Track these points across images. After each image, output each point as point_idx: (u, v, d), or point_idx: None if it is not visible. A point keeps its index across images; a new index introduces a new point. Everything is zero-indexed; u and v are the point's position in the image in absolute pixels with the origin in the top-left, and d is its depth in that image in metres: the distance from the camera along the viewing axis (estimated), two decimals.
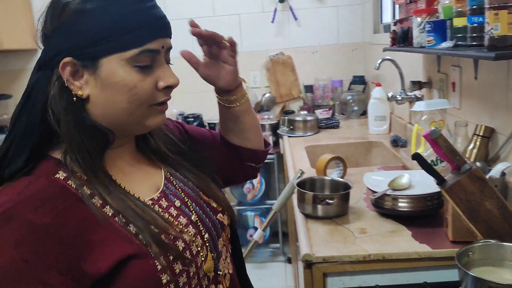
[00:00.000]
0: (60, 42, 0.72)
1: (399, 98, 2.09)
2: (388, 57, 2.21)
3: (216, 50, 0.91)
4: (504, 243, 0.96)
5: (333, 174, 1.74)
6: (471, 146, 1.39)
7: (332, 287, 1.18)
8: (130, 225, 0.72)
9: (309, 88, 3.35)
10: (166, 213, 0.79)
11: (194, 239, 0.79)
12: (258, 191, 3.22)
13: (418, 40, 1.56)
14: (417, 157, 1.08)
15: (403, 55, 2.12)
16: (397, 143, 2.23)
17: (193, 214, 0.83)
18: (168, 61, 0.80)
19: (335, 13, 3.33)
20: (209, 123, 3.32)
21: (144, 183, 0.82)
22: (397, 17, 2.05)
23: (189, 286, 0.76)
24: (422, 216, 1.31)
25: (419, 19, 1.53)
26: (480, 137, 1.38)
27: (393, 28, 1.99)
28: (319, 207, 1.37)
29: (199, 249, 0.79)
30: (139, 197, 0.77)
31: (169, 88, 0.78)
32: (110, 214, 0.72)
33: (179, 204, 0.82)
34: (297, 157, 2.22)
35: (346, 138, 2.55)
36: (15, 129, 0.74)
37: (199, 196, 0.88)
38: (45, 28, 0.74)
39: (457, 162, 1.04)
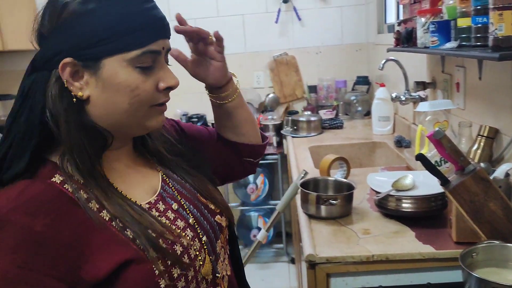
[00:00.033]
0: (59, 42, 0.71)
1: (403, 99, 2.08)
2: (392, 58, 2.20)
3: (203, 47, 0.90)
4: (508, 244, 0.96)
5: (337, 175, 1.74)
6: (475, 146, 1.39)
7: (336, 287, 1.18)
8: (127, 229, 0.71)
9: (313, 89, 3.35)
10: (164, 217, 0.78)
11: (192, 242, 0.78)
12: (261, 192, 3.22)
13: (422, 40, 1.56)
14: (421, 157, 1.08)
15: (407, 56, 2.11)
16: (401, 143, 2.22)
17: (190, 217, 0.82)
18: (166, 62, 0.80)
19: (339, 14, 3.33)
20: (213, 123, 3.30)
21: (141, 185, 0.81)
22: (401, 18, 2.04)
23: None
24: (426, 217, 1.31)
25: (423, 19, 1.53)
26: (484, 137, 1.37)
27: (397, 28, 1.99)
28: (323, 207, 1.37)
29: (197, 253, 0.78)
30: (136, 201, 0.76)
31: (169, 89, 0.78)
32: (107, 219, 0.71)
33: (176, 207, 0.82)
34: (301, 157, 2.22)
35: (350, 138, 2.55)
36: (13, 131, 0.72)
37: (197, 198, 0.87)
38: (43, 28, 0.72)
39: (461, 163, 1.04)
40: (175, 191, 0.84)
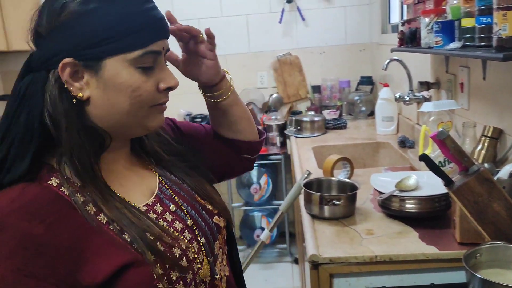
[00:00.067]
0: (59, 42, 0.69)
1: (407, 99, 2.08)
2: (396, 58, 2.20)
3: (193, 46, 0.89)
4: None
5: (340, 175, 1.74)
6: (479, 147, 1.38)
7: None
8: (124, 233, 0.70)
9: (316, 89, 3.34)
10: (162, 219, 0.78)
11: (190, 245, 0.78)
12: (265, 192, 3.22)
13: (426, 40, 1.56)
14: (424, 158, 1.08)
15: (411, 56, 2.11)
16: (405, 144, 2.22)
17: (188, 219, 0.81)
18: (165, 63, 0.79)
19: (342, 14, 3.32)
20: None
21: (139, 187, 0.80)
22: (405, 18, 2.04)
23: None
24: (429, 217, 1.30)
25: (427, 19, 1.53)
26: (488, 138, 1.37)
27: (401, 28, 1.99)
28: (326, 208, 1.37)
29: (195, 255, 0.78)
30: (134, 204, 0.76)
31: (169, 90, 0.77)
32: (104, 222, 0.70)
33: (174, 208, 0.81)
34: (304, 157, 2.22)
35: (354, 138, 2.55)
36: (12, 133, 0.70)
37: (194, 199, 0.86)
38: (40, 27, 0.71)
39: (465, 163, 1.04)
40: (172, 192, 0.83)
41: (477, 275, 0.87)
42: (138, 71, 0.72)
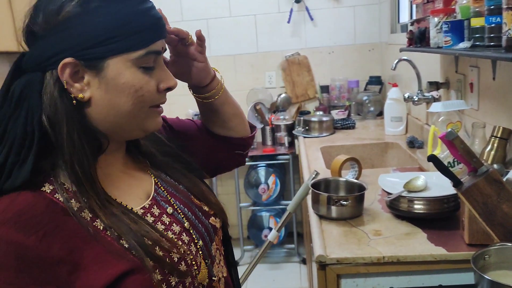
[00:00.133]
0: (58, 42, 0.67)
1: (416, 99, 2.07)
2: (405, 58, 2.19)
3: (182, 48, 0.88)
4: None
5: (348, 175, 1.74)
6: (489, 148, 1.37)
7: None
8: (122, 239, 0.69)
9: (325, 89, 3.34)
10: (159, 222, 0.76)
11: (188, 249, 0.77)
12: (273, 192, 3.22)
13: (435, 40, 1.55)
14: (433, 158, 1.08)
15: (420, 56, 2.10)
16: (414, 144, 2.21)
17: (185, 221, 0.80)
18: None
19: (351, 13, 3.31)
20: None
21: (135, 190, 0.79)
22: (414, 17, 2.03)
23: None
24: (438, 218, 1.30)
25: (436, 19, 1.52)
26: (498, 138, 1.36)
27: (410, 28, 1.98)
28: (334, 208, 1.37)
29: (193, 262, 0.77)
30: (131, 208, 0.74)
31: (168, 90, 0.77)
32: (101, 228, 0.69)
33: (171, 210, 0.80)
34: (312, 158, 2.22)
35: (362, 139, 2.54)
36: (10, 137, 0.67)
37: (191, 200, 0.85)
38: (36, 27, 0.68)
39: (474, 164, 1.03)
40: (168, 194, 0.82)
41: (485, 276, 0.86)
42: (140, 71, 0.72)
